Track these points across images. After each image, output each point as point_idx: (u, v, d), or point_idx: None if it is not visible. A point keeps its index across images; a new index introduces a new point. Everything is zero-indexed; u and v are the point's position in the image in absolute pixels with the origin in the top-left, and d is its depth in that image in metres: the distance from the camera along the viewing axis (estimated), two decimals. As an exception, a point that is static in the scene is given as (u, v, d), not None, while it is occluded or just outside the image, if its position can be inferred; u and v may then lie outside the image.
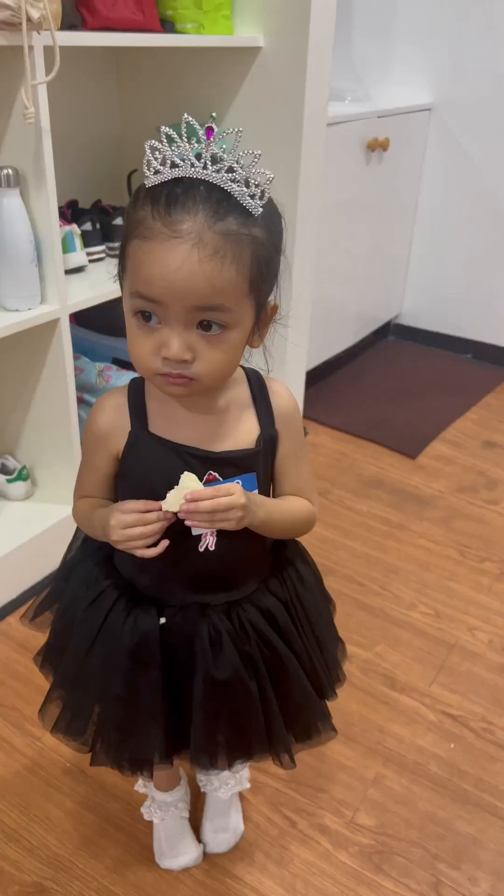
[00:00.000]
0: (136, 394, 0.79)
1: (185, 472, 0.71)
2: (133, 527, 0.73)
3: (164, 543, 0.74)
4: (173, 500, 0.71)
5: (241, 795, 1.16)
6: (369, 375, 2.65)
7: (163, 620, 0.81)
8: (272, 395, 0.81)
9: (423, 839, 1.12)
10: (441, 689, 1.38)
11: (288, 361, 1.97)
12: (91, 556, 0.87)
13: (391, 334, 2.98)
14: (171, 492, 0.71)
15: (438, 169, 2.62)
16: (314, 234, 1.87)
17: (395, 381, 2.62)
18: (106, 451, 0.80)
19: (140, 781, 1.12)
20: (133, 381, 0.80)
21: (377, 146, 2.23)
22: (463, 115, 2.51)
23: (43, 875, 1.06)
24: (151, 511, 0.73)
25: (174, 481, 0.72)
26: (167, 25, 1.59)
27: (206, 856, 1.09)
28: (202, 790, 1.14)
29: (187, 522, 0.71)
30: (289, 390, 0.83)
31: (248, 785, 1.14)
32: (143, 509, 0.73)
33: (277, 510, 0.80)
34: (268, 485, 0.83)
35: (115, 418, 0.78)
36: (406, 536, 1.81)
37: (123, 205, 1.78)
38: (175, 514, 0.72)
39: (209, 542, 0.79)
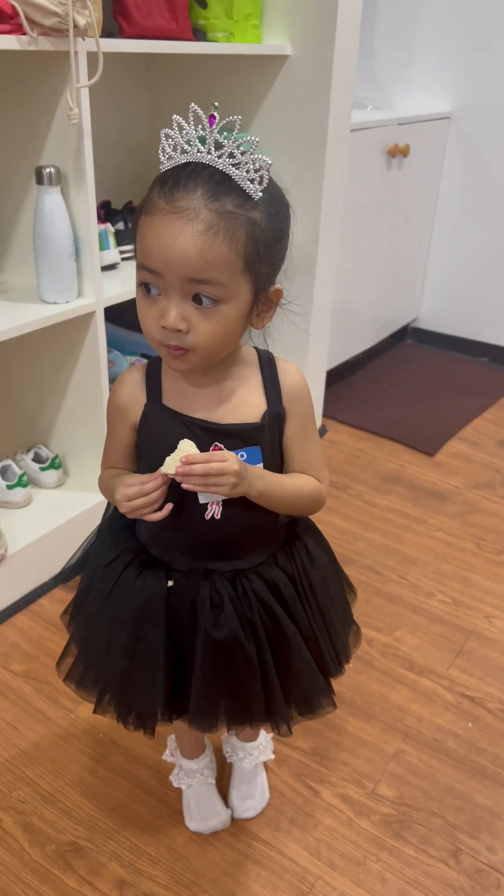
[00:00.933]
0: (153, 370, 0.84)
1: (184, 439, 0.76)
2: (135, 498, 0.78)
3: (168, 507, 0.79)
4: (171, 464, 0.75)
5: (265, 766, 1.21)
6: (387, 377, 2.70)
7: (170, 583, 0.86)
8: (281, 374, 0.84)
9: (443, 810, 1.17)
10: (459, 672, 1.42)
11: (309, 360, 2.03)
12: (113, 523, 0.93)
13: (409, 337, 3.03)
14: (170, 456, 0.76)
15: (457, 175, 2.68)
16: (336, 236, 1.93)
17: (412, 382, 2.67)
18: (125, 422, 0.85)
19: (168, 751, 1.17)
20: (151, 359, 0.85)
21: (398, 152, 2.29)
22: (481, 123, 2.57)
23: (78, 835, 1.11)
24: (149, 482, 0.78)
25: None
26: (199, 34, 1.66)
27: (233, 821, 1.14)
28: (228, 760, 1.19)
29: (184, 485, 0.75)
30: (298, 371, 0.86)
31: (272, 756, 1.19)
32: (142, 482, 0.78)
33: (278, 484, 0.82)
34: (276, 460, 0.85)
35: (132, 391, 0.84)
36: (424, 529, 1.86)
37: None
38: (172, 477, 0.76)
39: (215, 510, 0.83)
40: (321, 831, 1.13)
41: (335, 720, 1.30)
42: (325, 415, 2.34)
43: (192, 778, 1.14)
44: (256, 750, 1.16)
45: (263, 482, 0.80)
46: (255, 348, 0.86)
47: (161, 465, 0.78)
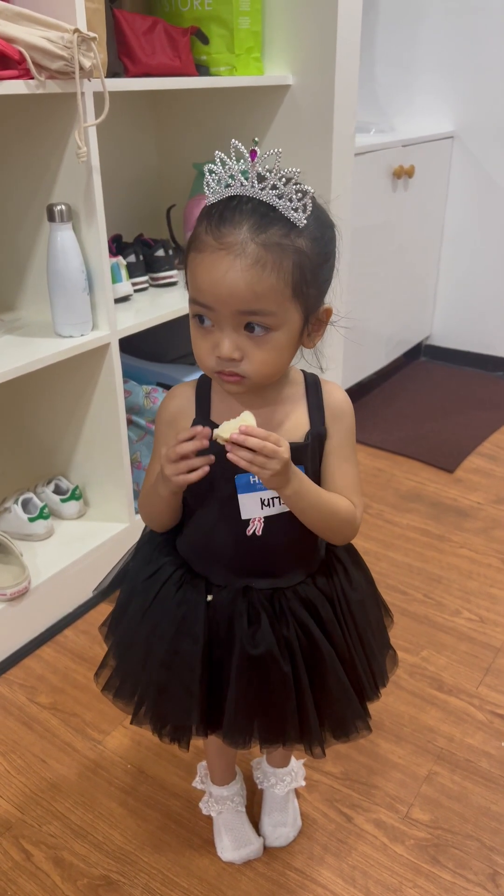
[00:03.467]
0: (203, 387, 0.86)
1: (246, 411, 0.75)
2: (176, 459, 0.77)
3: (204, 470, 0.77)
4: (226, 429, 0.73)
5: (296, 792, 1.19)
6: (403, 395, 2.70)
7: (210, 598, 0.87)
8: (326, 394, 0.86)
9: (478, 832, 1.14)
10: (489, 690, 1.40)
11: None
12: (154, 538, 0.94)
13: (423, 355, 3.04)
14: (228, 422, 0.74)
15: (463, 192, 2.70)
16: (343, 258, 1.95)
17: (428, 399, 2.67)
18: (173, 433, 0.84)
19: (198, 777, 1.17)
20: (201, 376, 0.87)
21: (403, 173, 2.32)
22: (485, 140, 2.60)
23: (110, 868, 1.10)
24: (188, 435, 0.76)
25: (228, 466, 0.76)
26: (202, 69, 1.70)
27: (265, 850, 1.12)
28: (259, 787, 1.17)
29: (229, 455, 0.73)
30: (343, 392, 0.87)
31: (303, 782, 1.18)
32: (185, 438, 0.76)
33: (314, 490, 0.81)
34: (315, 481, 0.86)
35: (182, 404, 0.86)
36: (447, 547, 1.84)
37: (164, 238, 1.88)
38: (222, 443, 0.74)
39: (257, 527, 0.84)
40: (355, 858, 1.11)
41: (365, 743, 1.29)
42: (343, 435, 2.33)
43: (222, 805, 1.13)
44: (288, 776, 1.15)
45: (300, 483, 0.79)
46: (302, 371, 0.88)
47: (205, 482, 0.78)
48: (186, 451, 0.76)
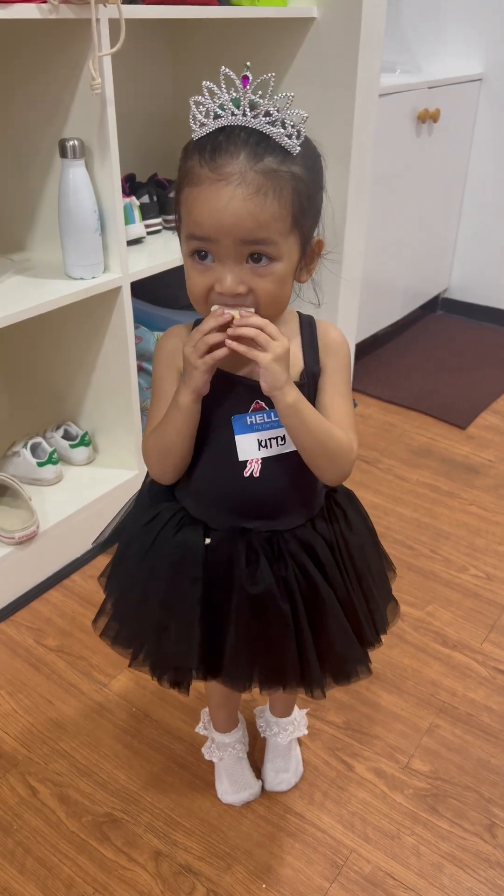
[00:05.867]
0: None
1: (251, 308, 0.74)
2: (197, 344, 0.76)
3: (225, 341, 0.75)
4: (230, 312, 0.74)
5: (298, 740, 1.21)
6: (417, 349, 2.66)
7: (208, 541, 0.86)
8: (321, 333, 0.84)
9: (477, 784, 1.16)
10: (493, 646, 1.41)
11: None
12: (153, 487, 0.93)
13: (439, 308, 2.98)
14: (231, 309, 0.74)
15: (489, 140, 2.60)
16: (365, 206, 1.89)
17: (443, 354, 2.63)
18: (172, 371, 0.84)
19: (201, 724, 1.18)
20: (197, 319, 0.84)
21: (427, 117, 2.23)
22: (514, 85, 2.49)
23: (114, 807, 1.12)
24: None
25: (226, 408, 0.76)
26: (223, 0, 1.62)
27: (267, 794, 1.14)
28: (262, 735, 1.19)
29: (228, 340, 0.73)
30: (338, 330, 0.85)
31: (305, 731, 1.19)
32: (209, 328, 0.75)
33: (312, 410, 0.79)
34: None
35: (179, 343, 0.83)
36: (456, 503, 1.83)
37: (178, 178, 1.82)
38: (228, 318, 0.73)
39: (254, 468, 0.83)
40: (355, 805, 1.13)
41: (368, 695, 1.30)
42: (355, 388, 2.31)
43: (223, 751, 1.14)
44: (291, 726, 1.16)
45: (300, 395, 0.77)
46: (298, 312, 0.86)
47: (202, 422, 0.79)
48: (215, 340, 0.74)
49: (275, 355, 0.73)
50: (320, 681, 0.90)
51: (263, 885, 1.03)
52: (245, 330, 0.72)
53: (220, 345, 0.74)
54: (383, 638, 0.97)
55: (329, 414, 0.83)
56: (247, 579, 0.84)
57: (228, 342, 0.73)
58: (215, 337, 0.74)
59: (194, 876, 1.03)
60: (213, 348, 0.75)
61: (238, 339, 0.73)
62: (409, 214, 2.41)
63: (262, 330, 0.73)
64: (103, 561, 0.99)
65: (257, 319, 0.73)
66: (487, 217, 2.72)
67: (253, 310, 0.74)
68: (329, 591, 0.86)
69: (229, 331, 0.73)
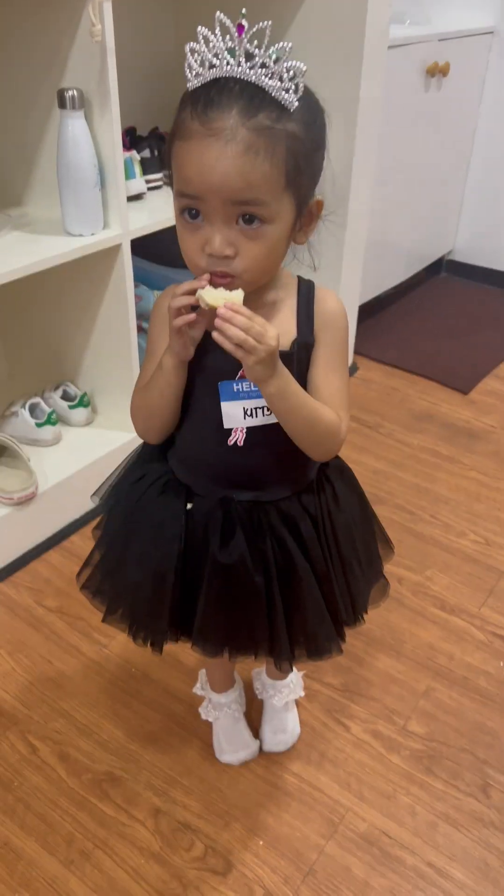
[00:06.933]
0: None
1: (240, 290, 0.71)
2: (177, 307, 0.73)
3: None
4: (215, 296, 0.69)
5: (296, 702, 1.22)
6: (421, 311, 2.63)
7: (189, 506, 0.86)
8: (318, 301, 0.81)
9: (472, 746, 1.17)
10: (491, 611, 1.41)
11: (341, 295, 1.96)
12: (145, 448, 0.93)
13: (444, 270, 2.93)
14: (214, 289, 0.70)
15: (499, 95, 2.53)
16: (372, 163, 1.84)
17: (447, 317, 2.59)
18: (167, 332, 0.81)
19: (198, 684, 1.19)
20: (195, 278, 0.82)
21: (437, 71, 2.16)
22: (527, 38, 2.41)
23: (113, 765, 1.13)
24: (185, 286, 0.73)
25: (214, 373, 0.74)
26: None
27: (264, 754, 1.16)
28: (259, 697, 1.20)
29: (214, 335, 0.69)
30: (337, 299, 0.82)
31: (302, 693, 1.20)
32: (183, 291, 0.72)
33: (299, 393, 0.76)
34: None
35: None
36: (457, 469, 1.82)
37: (180, 132, 1.77)
38: (207, 307, 0.70)
39: (238, 437, 0.81)
40: (351, 765, 1.14)
41: (365, 657, 1.31)
42: (357, 352, 2.28)
43: (219, 711, 1.15)
44: (286, 688, 1.17)
45: (286, 382, 0.74)
46: (298, 277, 0.83)
47: (189, 382, 0.77)
48: (181, 303, 0.71)
49: (258, 359, 0.69)
50: (288, 654, 0.90)
51: (261, 843, 1.04)
52: (231, 331, 0.68)
53: (196, 307, 0.72)
54: (382, 602, 0.97)
55: (320, 391, 0.80)
56: (219, 549, 0.83)
57: (215, 335, 0.69)
58: (182, 300, 0.71)
59: (193, 833, 1.05)
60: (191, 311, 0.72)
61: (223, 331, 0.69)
62: (415, 173, 2.36)
63: (247, 332, 0.68)
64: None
65: (242, 320, 0.68)
66: (495, 177, 2.66)
67: (241, 296, 0.70)
68: (305, 565, 0.85)
69: (216, 323, 0.68)
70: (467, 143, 2.63)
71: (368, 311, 2.44)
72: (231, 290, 0.71)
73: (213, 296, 0.69)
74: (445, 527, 1.63)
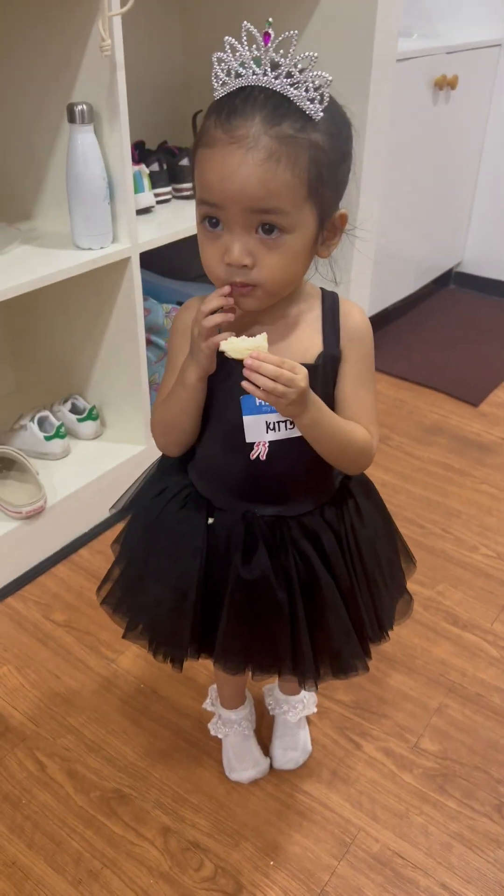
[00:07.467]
0: None
1: (262, 334, 0.70)
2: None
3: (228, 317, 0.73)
4: (236, 348, 0.69)
5: (307, 719, 1.20)
6: (429, 323, 2.62)
7: (211, 520, 0.85)
8: (343, 315, 0.80)
9: (486, 765, 1.15)
10: (503, 627, 1.40)
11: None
12: (165, 460, 0.92)
13: (452, 282, 2.93)
14: (238, 339, 0.70)
15: (507, 108, 2.53)
16: (381, 176, 1.84)
17: (456, 329, 2.58)
18: (188, 346, 0.81)
19: (208, 700, 1.17)
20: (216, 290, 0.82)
21: (445, 84, 2.17)
22: (535, 51, 2.42)
23: (122, 782, 1.12)
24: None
25: (236, 386, 0.72)
26: (236, -43, 1.57)
27: (275, 772, 1.14)
28: (271, 713, 1.18)
29: (243, 384, 0.69)
30: (363, 313, 0.82)
31: (314, 709, 1.18)
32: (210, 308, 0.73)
33: (331, 419, 0.77)
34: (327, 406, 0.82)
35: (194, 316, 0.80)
36: (467, 482, 1.81)
37: (189, 146, 1.77)
38: (231, 357, 0.70)
39: (261, 451, 0.80)
40: (363, 784, 1.13)
41: (377, 674, 1.29)
42: (365, 364, 2.27)
43: (229, 728, 1.14)
44: (300, 704, 1.15)
45: (318, 411, 0.75)
46: (322, 289, 0.82)
47: (210, 397, 0.76)
48: (216, 321, 0.72)
49: (289, 402, 0.70)
50: (313, 672, 0.88)
51: (271, 863, 1.02)
52: (260, 381, 0.68)
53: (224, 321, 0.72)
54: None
55: (350, 406, 0.81)
56: (242, 564, 0.82)
57: (244, 384, 0.69)
58: (211, 321, 0.72)
59: (202, 852, 1.03)
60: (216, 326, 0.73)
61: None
62: (424, 185, 2.36)
63: (277, 379, 0.68)
64: (113, 534, 0.98)
65: (270, 368, 0.67)
66: (503, 188, 2.66)
67: (265, 341, 0.69)
68: (330, 581, 0.84)
69: (244, 372, 0.68)
70: (475, 155, 2.63)
71: (377, 324, 2.43)
72: (254, 299, 0.72)
73: (236, 349, 0.69)
74: (457, 541, 1.61)
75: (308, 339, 0.79)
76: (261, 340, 0.69)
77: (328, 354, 0.79)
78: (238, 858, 1.03)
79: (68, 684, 1.27)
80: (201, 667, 1.27)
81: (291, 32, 0.65)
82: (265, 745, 1.16)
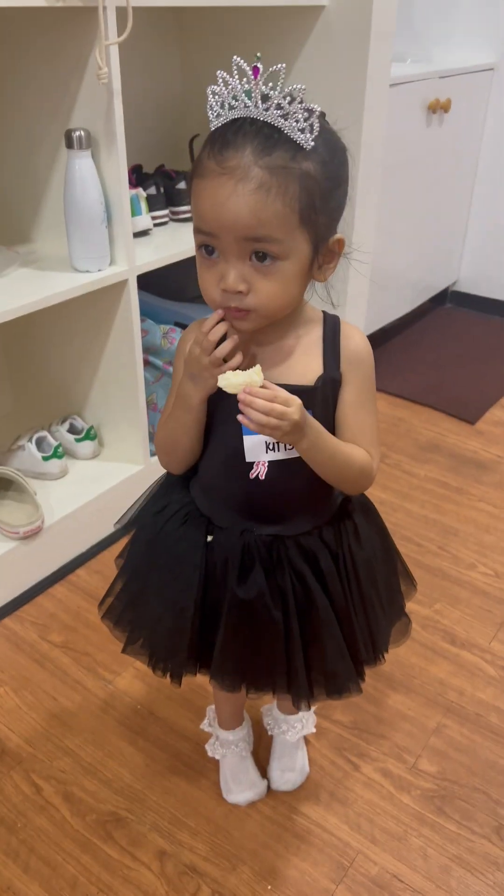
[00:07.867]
0: None
1: (256, 366, 0.72)
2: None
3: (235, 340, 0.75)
4: (235, 383, 0.71)
5: (305, 740, 1.20)
6: (426, 342, 2.63)
7: (210, 538, 0.86)
8: (344, 338, 0.81)
9: (486, 785, 1.15)
10: (501, 645, 1.39)
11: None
12: (168, 477, 0.93)
13: (448, 301, 2.95)
14: (233, 372, 0.72)
15: (500, 130, 2.57)
16: (375, 198, 1.86)
17: (452, 347, 2.60)
18: None
19: (206, 720, 1.17)
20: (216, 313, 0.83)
21: (438, 107, 2.20)
22: (527, 74, 2.45)
23: (118, 805, 1.11)
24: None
25: (234, 406, 0.73)
26: (231, -14, 1.59)
27: (273, 794, 1.13)
28: (269, 733, 1.18)
29: (239, 417, 0.71)
30: (363, 336, 0.83)
31: (313, 729, 1.18)
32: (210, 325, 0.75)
33: (330, 443, 0.78)
34: (327, 429, 0.81)
35: None
36: (464, 500, 1.81)
37: (186, 170, 1.80)
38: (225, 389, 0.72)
39: (260, 470, 0.81)
40: (361, 805, 1.12)
41: (375, 693, 1.29)
42: (363, 382, 2.28)
43: (226, 749, 1.13)
44: (299, 723, 1.15)
45: (317, 435, 0.76)
46: (324, 312, 0.83)
47: (211, 418, 0.78)
48: (217, 335, 0.74)
49: (283, 433, 0.71)
50: (306, 692, 0.89)
51: (269, 887, 1.02)
52: (252, 415, 0.69)
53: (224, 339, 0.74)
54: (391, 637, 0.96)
55: (351, 429, 0.82)
56: (238, 583, 0.83)
57: (239, 417, 0.70)
58: (225, 349, 0.74)
59: (199, 876, 1.03)
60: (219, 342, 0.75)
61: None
62: (419, 206, 2.39)
63: (269, 413, 0.69)
64: (110, 555, 0.99)
65: (262, 403, 0.69)
66: (498, 209, 2.69)
67: (259, 375, 0.71)
68: (325, 602, 0.84)
69: (240, 406, 0.70)
70: (469, 176, 2.67)
71: (374, 342, 2.42)
72: (249, 322, 0.73)
73: (231, 384, 0.71)
74: (454, 559, 1.61)
75: (308, 362, 0.80)
76: (253, 375, 0.71)
77: (328, 377, 0.80)
78: (235, 883, 1.02)
79: (65, 706, 1.26)
80: (199, 688, 1.27)
81: (279, 66, 0.67)
82: (263, 767, 1.16)
